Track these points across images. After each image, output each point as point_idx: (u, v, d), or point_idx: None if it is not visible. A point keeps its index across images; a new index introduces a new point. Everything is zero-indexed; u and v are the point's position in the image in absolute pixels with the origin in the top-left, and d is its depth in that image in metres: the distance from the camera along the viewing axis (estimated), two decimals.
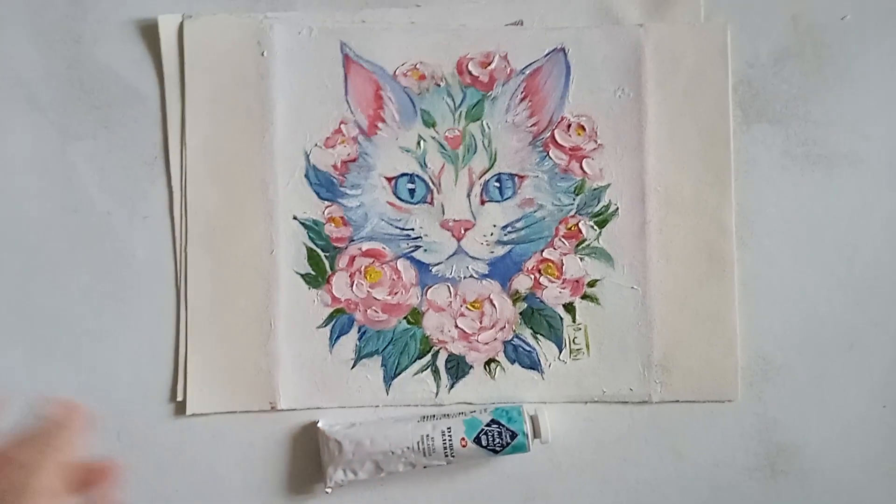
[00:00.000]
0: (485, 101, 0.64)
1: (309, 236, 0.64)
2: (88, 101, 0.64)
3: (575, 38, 0.64)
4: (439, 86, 0.64)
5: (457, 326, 0.64)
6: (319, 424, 0.63)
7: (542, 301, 0.64)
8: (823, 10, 0.65)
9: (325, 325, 0.64)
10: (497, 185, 0.64)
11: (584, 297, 0.64)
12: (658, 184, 0.64)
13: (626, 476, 0.65)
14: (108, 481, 0.42)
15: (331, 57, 0.64)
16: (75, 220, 0.64)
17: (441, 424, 0.61)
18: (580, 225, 0.64)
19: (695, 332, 0.64)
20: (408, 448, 0.61)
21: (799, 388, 0.65)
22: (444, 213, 0.64)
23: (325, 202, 0.64)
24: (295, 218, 0.64)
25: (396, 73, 0.64)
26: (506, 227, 0.64)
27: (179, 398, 0.64)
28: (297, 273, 0.64)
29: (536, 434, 0.62)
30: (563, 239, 0.64)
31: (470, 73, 0.64)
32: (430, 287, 0.64)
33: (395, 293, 0.64)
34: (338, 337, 0.64)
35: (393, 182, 0.64)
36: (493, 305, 0.64)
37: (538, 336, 0.64)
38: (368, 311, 0.64)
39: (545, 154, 0.64)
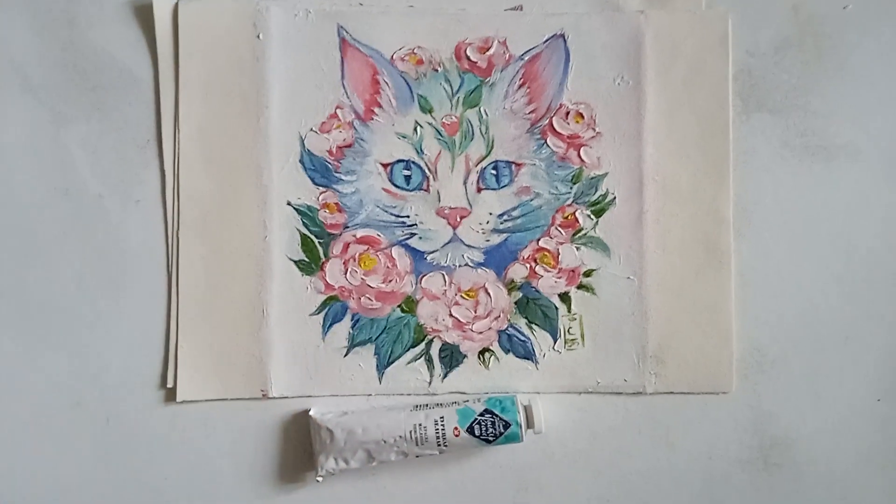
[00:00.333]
0: (483, 88, 0.63)
1: (303, 222, 0.63)
2: (82, 83, 0.64)
3: (575, 25, 0.63)
4: (437, 71, 0.63)
5: (451, 315, 0.64)
6: (311, 412, 0.63)
7: (537, 290, 0.64)
8: (824, 0, 0.64)
9: (318, 313, 0.64)
10: (494, 172, 0.63)
11: (580, 286, 0.64)
12: (656, 173, 0.63)
13: (619, 467, 0.64)
14: None
15: (327, 40, 0.63)
16: (67, 203, 0.64)
17: (434, 414, 0.61)
18: (577, 214, 0.64)
19: (690, 324, 0.63)
20: (400, 437, 0.60)
21: (793, 380, 0.64)
22: (439, 200, 0.63)
23: (320, 188, 0.63)
24: (289, 203, 0.63)
25: (394, 57, 0.63)
26: (502, 215, 0.63)
27: (170, 384, 0.63)
28: (291, 259, 0.63)
29: (530, 424, 0.61)
30: (559, 228, 0.64)
31: (468, 58, 0.63)
32: (425, 275, 0.64)
33: (390, 281, 0.64)
34: (331, 324, 0.64)
35: (389, 168, 0.63)
36: (488, 294, 0.64)
37: (533, 326, 0.64)
38: (362, 298, 0.64)
39: (543, 142, 0.64)
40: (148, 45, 0.64)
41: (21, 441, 0.64)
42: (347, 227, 0.64)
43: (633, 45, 0.63)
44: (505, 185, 0.64)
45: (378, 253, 0.64)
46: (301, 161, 0.63)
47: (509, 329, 0.64)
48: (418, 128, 0.63)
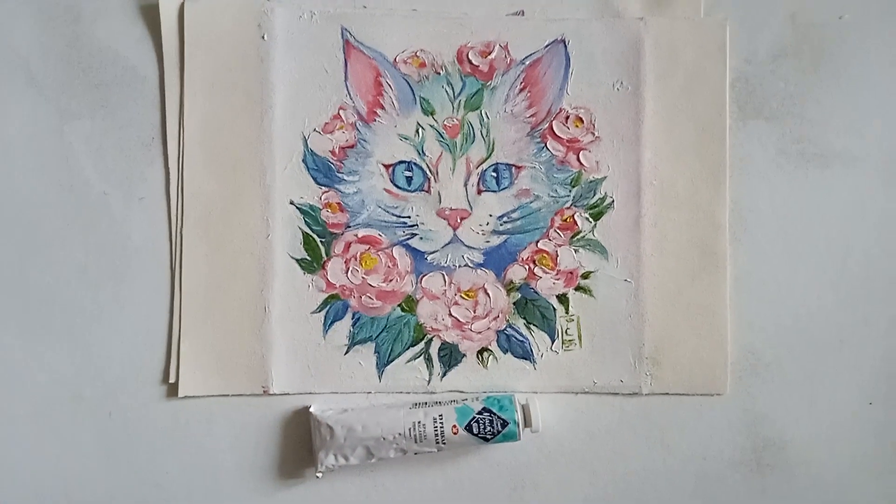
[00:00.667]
0: (484, 91, 0.64)
1: (305, 221, 0.64)
2: (87, 80, 0.64)
3: (575, 30, 0.64)
4: (439, 74, 0.64)
5: (451, 315, 0.64)
6: (311, 409, 0.63)
7: (535, 291, 0.65)
8: (821, 10, 0.65)
9: (320, 311, 0.64)
10: (494, 174, 0.64)
11: (578, 288, 0.65)
12: (654, 178, 0.64)
13: (614, 467, 0.65)
14: None
15: (331, 42, 0.64)
16: (71, 199, 0.64)
17: (433, 412, 0.62)
18: (575, 217, 0.65)
19: (686, 326, 0.64)
20: (399, 434, 0.61)
21: (787, 383, 0.65)
22: (440, 201, 0.64)
23: (323, 188, 0.64)
24: (292, 203, 0.64)
25: (397, 59, 0.64)
26: (502, 216, 0.64)
27: (172, 380, 0.64)
28: (293, 258, 0.64)
29: (527, 423, 0.62)
30: (558, 230, 0.65)
31: (470, 62, 0.64)
32: (425, 275, 0.64)
33: (390, 280, 0.64)
34: (332, 323, 0.64)
35: (390, 169, 0.64)
36: (488, 295, 0.65)
37: (531, 326, 0.65)
38: (363, 297, 0.64)
39: (543, 145, 0.65)
40: (153, 43, 0.64)
41: (23, 434, 0.64)
42: (349, 227, 0.64)
43: (632, 52, 0.64)
44: (505, 188, 0.64)
45: (379, 252, 0.64)
46: (304, 161, 0.64)
47: (508, 329, 0.65)
48: (420, 130, 0.64)
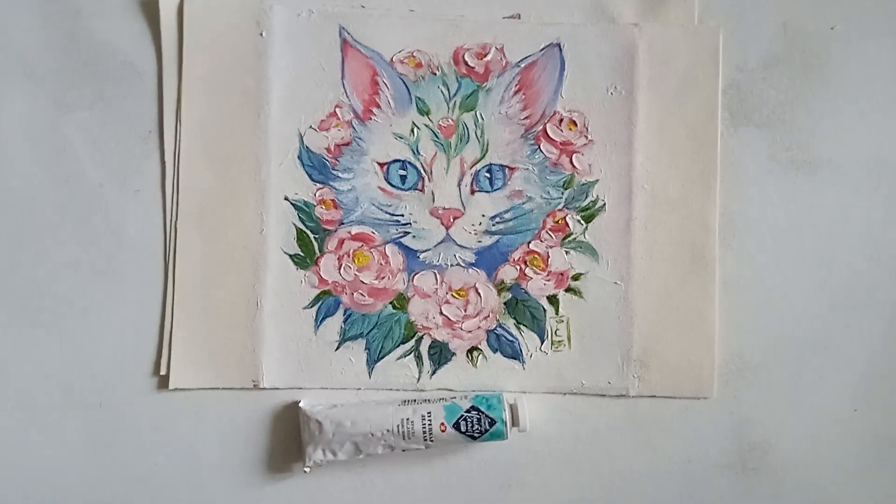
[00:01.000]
0: (479, 92, 0.65)
1: (299, 217, 0.65)
2: (85, 73, 0.65)
3: (570, 35, 0.65)
4: (435, 74, 0.65)
5: (441, 313, 0.65)
6: (301, 404, 0.64)
7: (526, 292, 0.65)
8: (813, 19, 0.66)
9: (312, 307, 0.65)
10: (488, 175, 0.65)
11: (568, 289, 0.65)
12: (645, 181, 0.65)
13: (601, 467, 0.66)
14: None
15: (329, 40, 0.65)
16: (67, 191, 0.64)
17: (421, 409, 0.62)
18: (567, 219, 0.65)
19: (674, 329, 0.65)
20: (387, 431, 0.61)
21: (773, 387, 0.66)
22: (434, 200, 0.64)
23: (317, 184, 0.65)
24: (286, 199, 0.65)
25: (393, 59, 0.65)
26: (494, 217, 0.65)
27: (163, 372, 0.64)
28: (286, 253, 0.65)
29: (515, 422, 0.63)
30: (549, 232, 0.65)
31: (466, 63, 0.65)
32: (417, 273, 0.65)
33: (382, 278, 0.65)
34: (323, 318, 0.65)
35: (385, 168, 0.65)
36: (479, 294, 0.65)
37: (521, 326, 0.65)
38: (355, 294, 0.65)
39: (536, 147, 0.65)
40: (152, 37, 0.65)
41: (14, 425, 0.64)
42: (343, 224, 0.65)
43: (626, 57, 0.65)
44: (498, 188, 0.65)
45: (372, 250, 0.65)
46: (299, 157, 0.65)
47: (498, 329, 0.65)
48: (415, 129, 0.65)
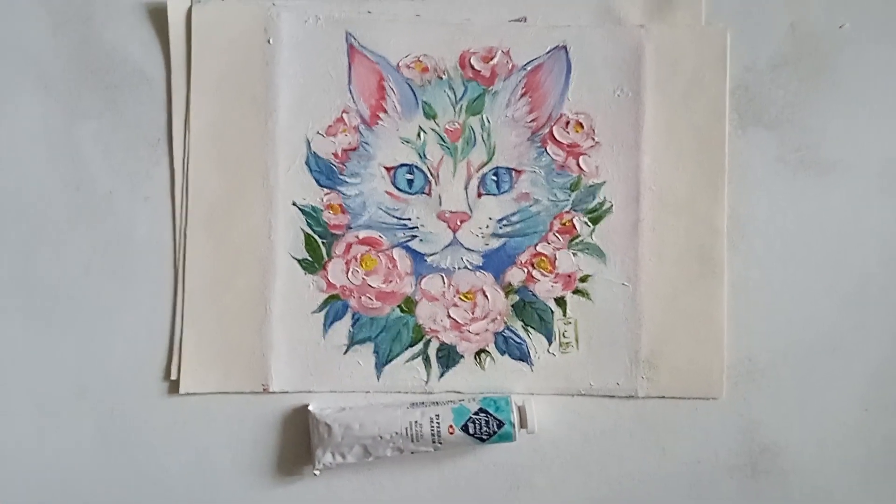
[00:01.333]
0: (485, 96, 0.65)
1: (307, 222, 0.65)
2: (96, 81, 0.65)
3: (577, 37, 0.65)
4: (441, 78, 0.65)
5: (449, 316, 0.65)
6: (310, 407, 0.64)
7: (534, 294, 0.65)
8: (821, 19, 0.66)
9: (320, 311, 0.65)
10: (494, 178, 0.65)
11: (576, 291, 0.65)
12: (653, 183, 0.65)
13: (609, 469, 0.66)
14: None
15: (336, 46, 0.65)
16: (78, 197, 0.65)
17: (430, 411, 0.62)
18: (574, 221, 0.65)
19: (683, 331, 0.65)
20: (396, 433, 0.62)
21: (782, 389, 0.66)
22: (441, 204, 0.65)
23: (325, 189, 0.65)
24: (294, 204, 0.65)
25: (400, 64, 0.65)
26: (501, 220, 0.65)
27: (173, 377, 0.65)
28: (294, 258, 0.65)
29: (523, 424, 0.63)
30: (557, 234, 0.65)
31: (472, 67, 0.65)
32: (425, 276, 0.65)
33: (390, 281, 0.65)
34: (331, 322, 0.65)
35: (392, 172, 0.65)
36: (486, 297, 0.65)
37: (529, 328, 0.65)
38: (363, 298, 0.65)
39: (543, 150, 0.65)
40: (161, 45, 0.65)
41: (26, 429, 0.65)
42: (350, 228, 0.65)
43: (633, 58, 0.65)
44: (505, 191, 0.65)
45: (379, 254, 0.65)
46: (307, 163, 0.65)
47: (506, 331, 0.65)
48: (422, 133, 0.65)
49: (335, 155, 0.65)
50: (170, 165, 0.65)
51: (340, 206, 0.65)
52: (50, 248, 0.65)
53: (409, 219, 0.65)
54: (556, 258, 0.65)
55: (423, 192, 0.65)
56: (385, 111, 0.65)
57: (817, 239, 0.66)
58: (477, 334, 0.65)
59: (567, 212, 0.65)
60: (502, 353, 0.65)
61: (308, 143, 0.65)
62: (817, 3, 0.66)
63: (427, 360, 0.65)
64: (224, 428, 0.65)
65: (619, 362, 0.65)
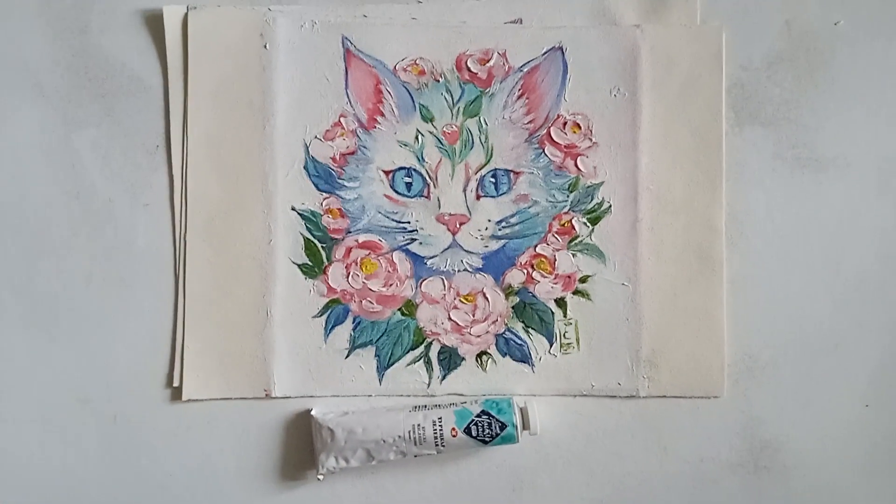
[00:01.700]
0: (483, 98, 0.65)
1: (307, 227, 0.65)
2: (93, 89, 0.65)
3: (572, 38, 0.65)
4: (438, 81, 0.65)
5: (450, 319, 0.65)
6: (313, 412, 0.64)
7: (534, 295, 0.65)
8: (817, 16, 0.66)
9: (321, 315, 0.65)
10: (493, 180, 0.65)
11: (576, 292, 0.65)
12: (651, 183, 0.65)
13: (612, 469, 0.66)
14: None
15: (332, 51, 0.65)
16: (78, 205, 0.65)
17: (432, 414, 0.62)
18: (573, 221, 0.65)
19: (683, 330, 0.65)
20: (399, 437, 0.62)
21: (783, 386, 0.66)
22: (440, 206, 0.65)
23: (324, 194, 0.65)
24: (293, 209, 0.65)
25: (396, 67, 0.65)
26: (500, 221, 0.65)
27: (176, 384, 0.65)
28: (294, 263, 0.65)
29: (525, 426, 0.63)
30: (556, 235, 0.65)
31: (469, 69, 0.65)
32: (425, 279, 0.65)
33: (390, 285, 0.65)
34: (333, 327, 0.65)
35: (390, 175, 0.65)
36: (486, 299, 0.65)
37: (529, 330, 0.65)
38: (363, 301, 0.65)
39: (541, 151, 0.65)
40: (158, 53, 0.65)
41: (29, 437, 0.65)
42: (350, 232, 0.65)
43: (629, 59, 0.65)
44: (503, 193, 0.65)
45: (379, 257, 0.65)
46: (305, 167, 0.65)
47: (506, 333, 0.66)
48: (419, 136, 0.65)
49: (333, 159, 0.65)
50: (169, 172, 0.65)
51: (339, 210, 0.65)
52: (50, 257, 0.65)
53: (409, 222, 0.65)
54: (555, 259, 0.65)
55: (422, 195, 0.65)
56: (382, 115, 0.65)
57: (815, 235, 0.66)
58: (478, 336, 0.65)
59: (566, 212, 0.65)
60: (503, 354, 0.65)
61: (306, 147, 0.65)
62: (812, 0, 0.66)
63: (429, 363, 0.65)
64: (227, 434, 0.65)
65: (620, 362, 0.65)
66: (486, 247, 0.65)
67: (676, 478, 0.66)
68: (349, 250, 0.65)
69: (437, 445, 0.62)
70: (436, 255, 0.65)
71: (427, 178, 0.65)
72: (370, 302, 0.65)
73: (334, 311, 0.65)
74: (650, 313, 0.65)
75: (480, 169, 0.65)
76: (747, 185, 0.66)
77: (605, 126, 0.65)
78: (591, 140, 0.65)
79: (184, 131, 0.65)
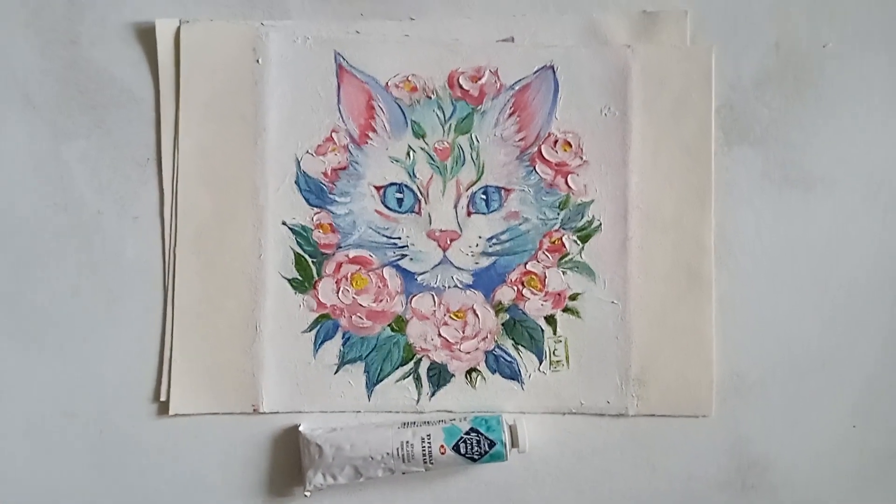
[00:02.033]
0: (474, 115, 0.65)
1: (297, 242, 0.65)
2: (84, 101, 0.65)
3: (564, 57, 0.66)
4: (430, 98, 0.65)
5: (440, 335, 0.65)
6: (301, 428, 0.64)
7: (524, 313, 0.66)
8: (805, 38, 0.66)
9: (310, 330, 0.65)
10: (484, 197, 0.65)
11: (566, 310, 0.66)
12: (640, 201, 0.65)
13: (601, 487, 0.66)
14: None
15: (325, 66, 0.65)
16: (66, 218, 0.65)
17: (421, 431, 0.62)
18: (563, 239, 0.66)
19: (672, 348, 0.65)
20: (387, 454, 0.62)
21: (771, 405, 0.66)
22: (430, 223, 0.65)
23: (315, 209, 0.65)
24: (284, 223, 0.65)
25: (389, 84, 0.65)
26: (491, 238, 0.65)
27: (163, 398, 0.64)
28: (284, 277, 0.65)
29: (514, 443, 0.63)
30: (546, 252, 0.66)
31: (461, 86, 0.65)
32: (415, 295, 0.65)
33: (381, 300, 0.65)
34: (322, 342, 0.65)
35: (381, 191, 0.65)
36: (477, 315, 0.65)
37: (519, 347, 0.65)
38: (353, 317, 0.65)
39: (531, 168, 0.66)
40: (149, 65, 0.65)
41: (15, 451, 0.65)
42: (340, 248, 0.65)
43: (620, 78, 0.65)
44: (494, 210, 0.65)
45: (370, 273, 0.65)
46: (297, 182, 0.65)
47: (496, 350, 0.66)
48: (411, 152, 0.65)
49: (325, 174, 0.65)
50: (159, 185, 0.65)
51: (330, 225, 0.65)
52: (38, 269, 0.65)
53: (399, 238, 0.65)
54: (545, 276, 0.66)
55: (413, 211, 0.65)
56: (374, 130, 0.65)
57: (804, 254, 0.66)
58: (468, 353, 0.65)
59: (556, 230, 0.66)
60: (493, 371, 0.65)
61: (298, 162, 0.65)
62: (801, 20, 0.66)
63: (418, 380, 0.65)
64: (214, 449, 0.65)
65: (610, 380, 0.65)
66: (477, 263, 0.65)
67: (665, 496, 0.66)
68: (339, 265, 0.65)
69: (425, 463, 0.62)
70: (426, 272, 0.65)
71: (418, 194, 0.65)
72: (360, 317, 0.65)
73: (324, 327, 0.65)
74: (639, 331, 0.65)
75: (471, 186, 0.65)
76: (736, 203, 0.66)
77: (596, 144, 0.66)
78: (581, 158, 0.66)
79: (174, 144, 0.65)
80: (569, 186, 0.66)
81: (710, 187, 0.65)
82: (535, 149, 0.66)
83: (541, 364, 0.65)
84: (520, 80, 0.66)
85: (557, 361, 0.65)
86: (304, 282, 0.65)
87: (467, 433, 0.62)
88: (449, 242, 0.65)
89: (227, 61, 0.65)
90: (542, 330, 0.65)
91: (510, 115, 0.66)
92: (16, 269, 0.65)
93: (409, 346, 0.65)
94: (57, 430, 0.65)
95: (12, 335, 0.65)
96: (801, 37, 0.66)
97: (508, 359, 0.65)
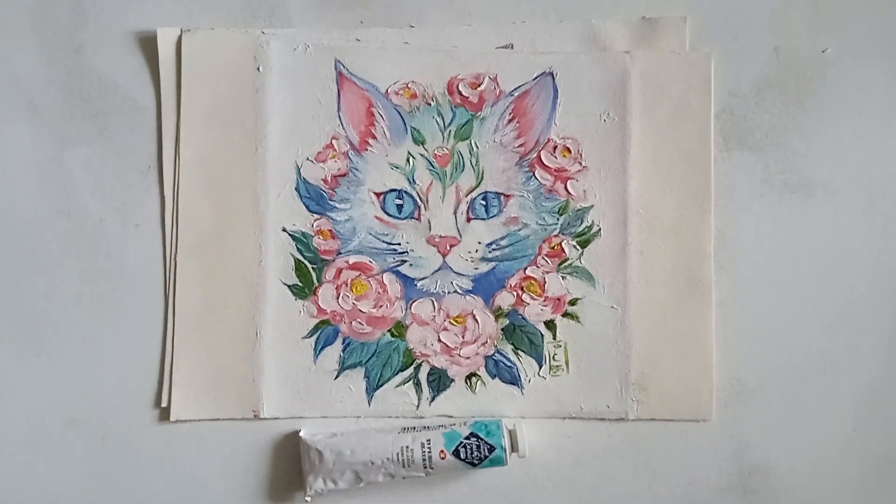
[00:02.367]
0: (474, 121, 0.66)
1: (297, 248, 0.65)
2: (86, 109, 0.66)
3: (563, 63, 0.66)
4: (430, 105, 0.66)
5: (440, 340, 0.65)
6: (301, 433, 0.64)
7: (523, 318, 0.66)
8: (805, 44, 0.66)
9: (310, 336, 0.65)
10: (483, 203, 0.65)
11: (565, 315, 0.66)
12: (640, 207, 0.65)
13: (601, 492, 0.66)
14: None
15: (325, 73, 0.65)
16: (69, 225, 0.65)
17: (421, 436, 0.62)
18: (563, 244, 0.66)
19: (672, 353, 0.65)
20: (387, 459, 0.62)
21: (772, 409, 0.66)
22: (430, 229, 0.65)
23: (315, 215, 0.65)
24: (284, 230, 0.65)
25: (388, 91, 0.66)
26: (490, 244, 0.65)
27: (164, 404, 0.65)
28: (285, 284, 0.65)
29: (514, 448, 0.63)
30: (546, 258, 0.66)
31: (460, 93, 0.66)
32: (415, 301, 0.65)
33: (380, 306, 0.65)
34: (322, 348, 0.65)
35: (381, 197, 0.65)
36: (476, 321, 0.66)
37: (519, 352, 0.66)
38: (353, 323, 0.65)
39: (531, 174, 0.66)
40: (151, 73, 0.66)
41: (16, 457, 0.65)
42: (340, 254, 0.66)
43: (619, 84, 0.66)
44: (494, 216, 0.66)
45: (370, 279, 0.66)
46: (297, 189, 0.65)
47: (496, 355, 0.66)
48: (411, 159, 0.66)
49: (325, 181, 0.66)
50: (160, 193, 0.65)
51: (330, 231, 0.66)
52: (40, 276, 0.65)
53: (399, 244, 0.65)
54: (545, 282, 0.66)
55: (413, 217, 0.65)
56: (374, 137, 0.66)
57: (804, 259, 0.66)
58: (467, 358, 0.65)
59: (555, 235, 0.66)
60: (493, 376, 0.66)
61: (298, 169, 0.65)
62: (801, 27, 0.67)
63: (418, 385, 0.65)
64: (215, 455, 0.65)
65: (610, 385, 0.65)
66: (476, 269, 0.65)
67: (665, 501, 0.66)
68: (340, 271, 0.65)
69: (425, 468, 0.62)
70: (426, 277, 0.65)
71: (418, 200, 0.65)
72: (360, 323, 0.65)
73: (324, 332, 0.65)
74: (639, 336, 0.65)
75: (471, 191, 0.65)
76: (736, 209, 0.66)
77: (595, 150, 0.66)
78: (580, 164, 0.66)
79: (176, 152, 0.65)
80: (568, 192, 0.66)
81: (710, 193, 0.66)
82: (535, 154, 0.66)
83: (540, 369, 0.65)
84: (519, 86, 0.66)
85: (557, 366, 0.65)
86: (304, 288, 0.65)
87: (467, 438, 0.62)
88: (448, 248, 0.65)
89: (228, 69, 0.65)
90: (542, 335, 0.66)
91: (509, 121, 0.66)
92: (18, 275, 0.65)
93: (409, 352, 0.65)
94: (58, 435, 0.65)
95: (14, 341, 0.65)
96: (800, 43, 0.67)
97: (508, 364, 0.66)
